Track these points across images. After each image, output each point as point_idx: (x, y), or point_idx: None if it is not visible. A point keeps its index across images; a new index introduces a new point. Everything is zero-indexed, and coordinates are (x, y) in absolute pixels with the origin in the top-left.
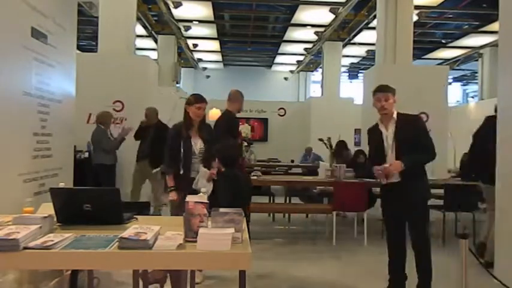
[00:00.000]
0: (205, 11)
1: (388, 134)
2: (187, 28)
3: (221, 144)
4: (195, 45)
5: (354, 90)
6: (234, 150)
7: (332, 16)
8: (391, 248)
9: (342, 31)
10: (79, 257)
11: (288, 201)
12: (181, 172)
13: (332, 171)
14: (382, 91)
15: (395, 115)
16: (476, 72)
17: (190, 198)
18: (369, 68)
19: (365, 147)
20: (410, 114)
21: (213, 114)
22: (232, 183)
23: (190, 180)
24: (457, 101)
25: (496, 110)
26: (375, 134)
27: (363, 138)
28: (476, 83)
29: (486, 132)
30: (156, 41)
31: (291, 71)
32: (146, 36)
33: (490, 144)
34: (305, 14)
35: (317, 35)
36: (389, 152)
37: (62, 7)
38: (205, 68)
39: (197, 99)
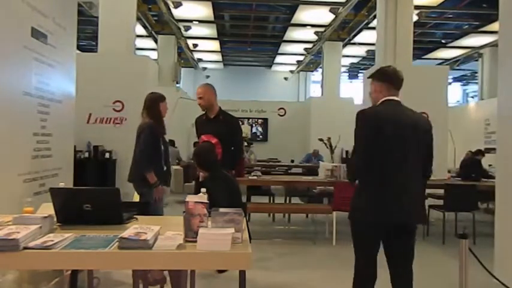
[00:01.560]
0: (205, 11)
1: None
2: (187, 28)
3: (198, 148)
4: (195, 45)
5: (354, 90)
6: (211, 154)
7: (332, 16)
8: None
9: (342, 31)
10: (79, 257)
11: (288, 201)
12: (165, 169)
13: (332, 171)
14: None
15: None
16: (476, 72)
17: (190, 198)
18: (369, 68)
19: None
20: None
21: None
22: (225, 182)
23: (170, 176)
24: (457, 101)
25: None
26: None
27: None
28: (476, 83)
29: None
30: (156, 41)
31: (291, 71)
32: (146, 36)
33: None
34: (305, 14)
35: (317, 35)
36: None
37: (62, 7)
38: (205, 68)
39: (164, 96)
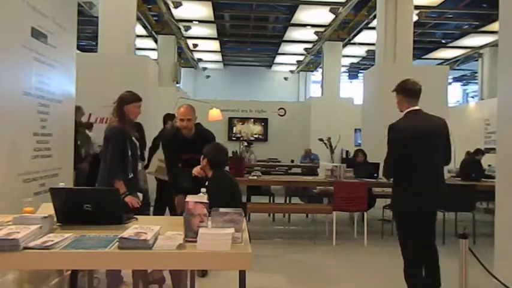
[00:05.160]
0: (205, 11)
1: None
2: (187, 28)
3: (211, 146)
4: (195, 45)
5: (354, 90)
6: (224, 154)
7: (332, 16)
8: None
9: (342, 31)
10: (79, 257)
11: (288, 201)
12: (131, 176)
13: (332, 171)
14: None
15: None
16: (476, 72)
17: (190, 198)
18: (369, 68)
19: (365, 147)
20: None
21: (213, 114)
22: (227, 183)
23: (138, 184)
24: (457, 101)
25: None
26: None
27: (363, 137)
28: (476, 83)
29: None
30: (156, 41)
31: (291, 71)
32: (146, 36)
33: None
34: (305, 14)
35: (317, 35)
36: None
37: (62, 7)
38: (205, 68)
39: (137, 97)
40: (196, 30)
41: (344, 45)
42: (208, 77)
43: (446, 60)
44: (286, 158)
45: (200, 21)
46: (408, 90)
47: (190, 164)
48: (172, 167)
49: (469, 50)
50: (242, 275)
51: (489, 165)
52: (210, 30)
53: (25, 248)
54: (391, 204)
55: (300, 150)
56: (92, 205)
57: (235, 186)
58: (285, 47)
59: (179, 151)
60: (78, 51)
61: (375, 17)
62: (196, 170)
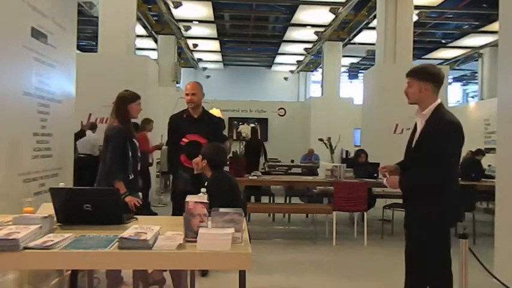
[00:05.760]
0: (205, 11)
1: (418, 130)
2: (187, 28)
3: (210, 147)
4: (195, 45)
5: (354, 90)
6: (223, 154)
7: (332, 16)
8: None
9: (342, 31)
10: (79, 257)
11: (288, 201)
12: (131, 177)
13: (332, 171)
14: (407, 75)
15: (427, 111)
16: (476, 72)
17: (190, 198)
18: (369, 68)
19: (365, 147)
20: (443, 118)
21: (213, 114)
22: (227, 183)
23: (137, 184)
24: (457, 101)
25: None
26: (415, 125)
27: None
28: (476, 83)
29: None
30: (156, 41)
31: (291, 71)
32: (146, 36)
33: None
34: (305, 14)
35: (317, 35)
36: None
37: (62, 7)
38: (205, 68)
39: (137, 95)
40: (196, 30)
41: (344, 45)
42: (208, 77)
43: (446, 60)
44: (286, 158)
45: (200, 21)
46: (440, 79)
47: (192, 154)
48: (173, 147)
49: (469, 50)
50: (242, 275)
51: (489, 165)
52: (210, 30)
53: (25, 248)
54: (437, 210)
55: (299, 150)
56: (92, 205)
57: (235, 187)
58: (285, 47)
59: (184, 131)
60: (78, 51)
61: (375, 17)
62: (196, 161)
